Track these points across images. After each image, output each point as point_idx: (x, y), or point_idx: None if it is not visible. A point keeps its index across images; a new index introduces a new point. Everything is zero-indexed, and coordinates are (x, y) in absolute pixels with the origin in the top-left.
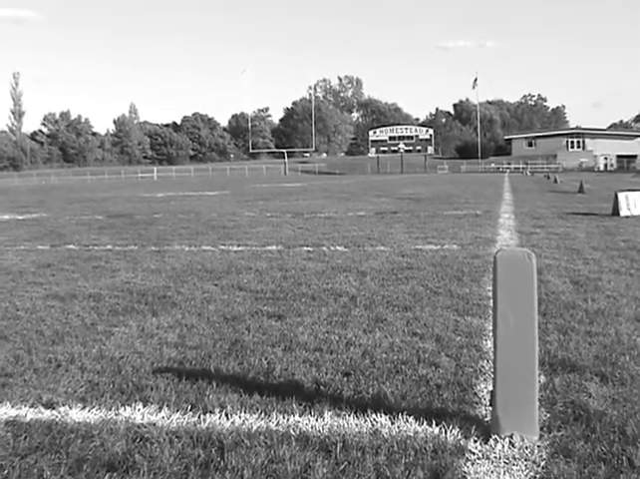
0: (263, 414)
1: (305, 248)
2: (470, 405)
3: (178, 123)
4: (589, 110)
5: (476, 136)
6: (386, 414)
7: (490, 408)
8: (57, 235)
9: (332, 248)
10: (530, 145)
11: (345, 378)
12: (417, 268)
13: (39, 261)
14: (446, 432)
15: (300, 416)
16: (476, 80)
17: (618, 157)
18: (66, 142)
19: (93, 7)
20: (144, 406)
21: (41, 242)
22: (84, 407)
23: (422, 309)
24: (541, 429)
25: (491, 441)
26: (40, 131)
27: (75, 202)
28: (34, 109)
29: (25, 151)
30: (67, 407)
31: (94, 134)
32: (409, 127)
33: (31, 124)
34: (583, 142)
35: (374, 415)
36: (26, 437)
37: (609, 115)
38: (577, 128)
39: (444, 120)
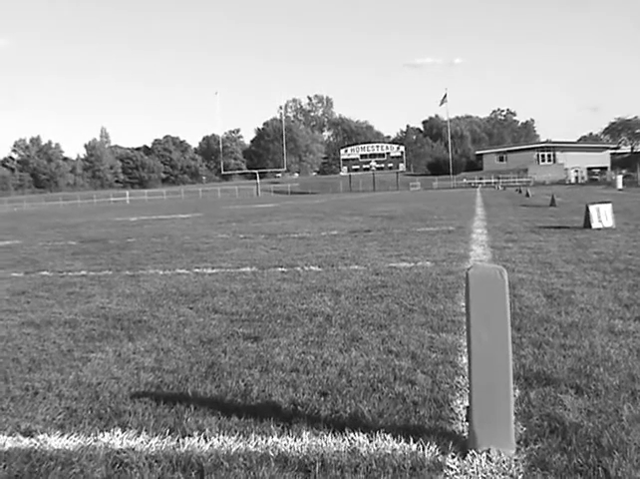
0: (242, 436)
1: (279, 269)
2: (446, 421)
3: (150, 146)
4: (559, 123)
5: (447, 152)
6: (364, 433)
7: (467, 424)
8: (30, 261)
9: (306, 269)
10: (501, 159)
11: (322, 398)
12: (391, 286)
13: (13, 289)
14: (423, 449)
15: (278, 437)
16: (445, 96)
17: (589, 169)
18: (37, 168)
19: (61, 33)
20: (122, 431)
21: (14, 270)
22: (62, 434)
23: (397, 327)
24: (518, 443)
25: (469, 456)
26: (10, 157)
27: (48, 228)
28: (4, 135)
29: None
30: (45, 435)
31: (65, 159)
32: (380, 144)
33: (1, 150)
34: (554, 155)
35: (352, 434)
36: (5, 466)
37: (580, 127)
38: (548, 141)
39: (414, 137)
